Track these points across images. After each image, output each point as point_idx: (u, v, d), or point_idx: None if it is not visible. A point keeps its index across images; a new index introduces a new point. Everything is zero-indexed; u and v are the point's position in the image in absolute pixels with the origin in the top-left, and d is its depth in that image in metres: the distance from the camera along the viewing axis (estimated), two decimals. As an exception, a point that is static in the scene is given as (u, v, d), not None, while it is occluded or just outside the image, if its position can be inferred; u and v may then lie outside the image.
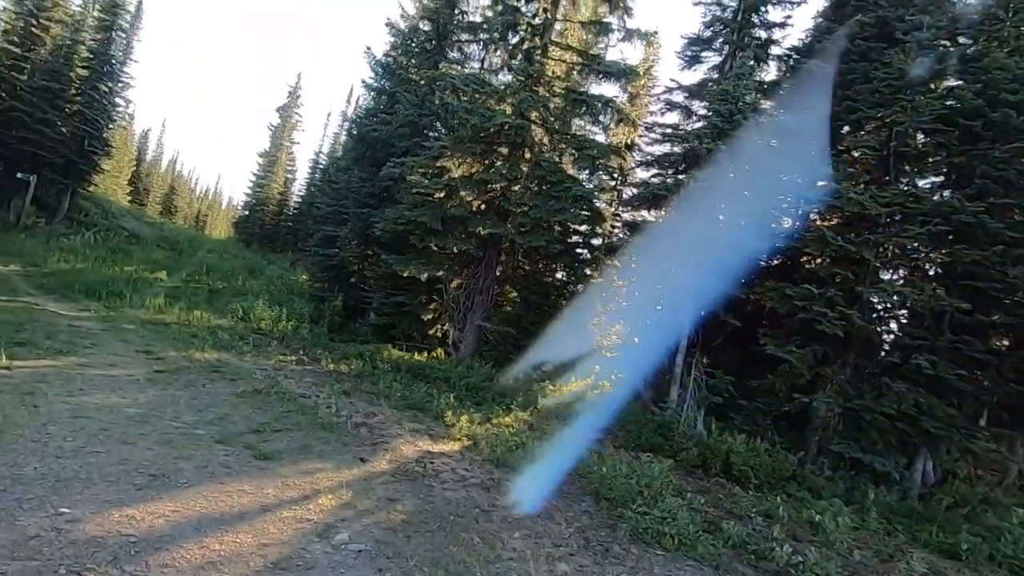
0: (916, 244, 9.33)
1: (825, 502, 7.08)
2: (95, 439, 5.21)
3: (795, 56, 11.40)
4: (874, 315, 9.79)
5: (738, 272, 11.09)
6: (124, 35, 27.45)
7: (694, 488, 7.20)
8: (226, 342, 11.06)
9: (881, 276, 9.92)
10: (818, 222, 10.93)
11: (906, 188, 9.14)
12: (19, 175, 23.07)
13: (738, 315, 10.56)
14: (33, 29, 24.45)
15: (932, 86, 9.50)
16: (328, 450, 6.13)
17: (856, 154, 10.44)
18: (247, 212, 41.98)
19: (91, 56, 25.72)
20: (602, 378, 13.54)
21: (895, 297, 9.14)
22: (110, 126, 28.61)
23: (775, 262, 12.21)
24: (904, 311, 9.84)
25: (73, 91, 25.04)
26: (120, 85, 27.81)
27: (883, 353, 9.70)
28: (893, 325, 10.31)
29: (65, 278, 15.50)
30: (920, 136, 9.57)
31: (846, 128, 10.74)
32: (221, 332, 11.94)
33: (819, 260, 10.19)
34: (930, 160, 9.90)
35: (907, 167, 9.89)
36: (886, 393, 8.42)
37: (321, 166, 38.45)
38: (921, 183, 10.24)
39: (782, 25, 11.46)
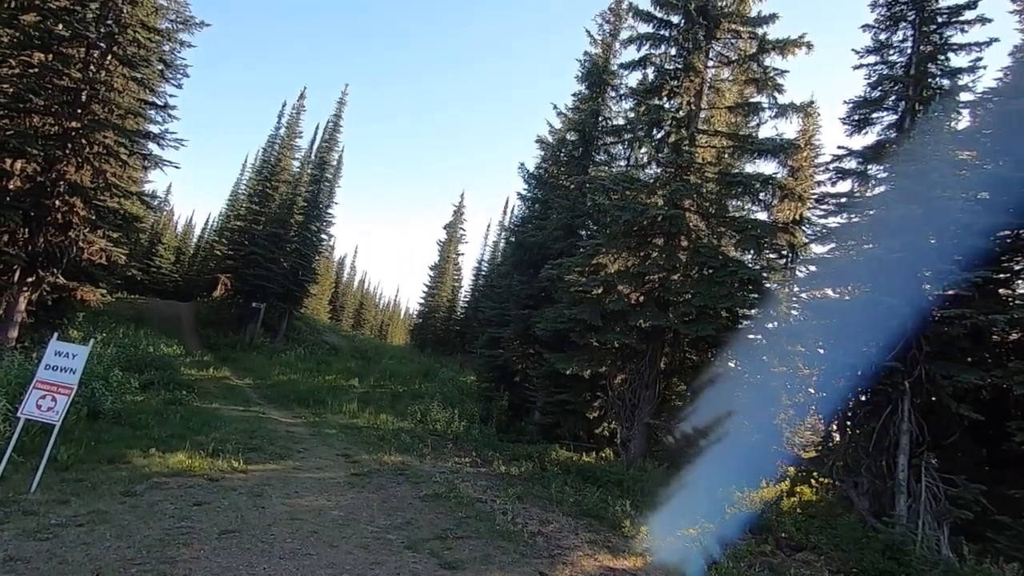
0: None
1: None
2: (308, 541, 5.77)
3: (995, 99, 9.96)
4: None
5: (964, 351, 9.24)
6: (329, 184, 33.79)
7: (955, 636, 5.64)
8: (408, 444, 11.87)
9: None
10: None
11: None
12: (253, 304, 28.70)
13: (974, 405, 8.63)
14: (267, 189, 31.35)
15: None
16: (508, 561, 6.02)
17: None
18: (420, 320, 46.52)
19: (305, 204, 31.98)
20: (799, 482, 11.78)
21: None
22: (316, 258, 34.63)
23: (1014, 336, 10.00)
24: None
25: (292, 233, 31.07)
26: (325, 224, 33.89)
27: None
28: None
29: (282, 389, 18.31)
30: None
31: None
32: (403, 435, 12.89)
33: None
34: None
35: None
36: None
37: (483, 272, 41.74)
38: None
39: (971, 69, 10.17)
